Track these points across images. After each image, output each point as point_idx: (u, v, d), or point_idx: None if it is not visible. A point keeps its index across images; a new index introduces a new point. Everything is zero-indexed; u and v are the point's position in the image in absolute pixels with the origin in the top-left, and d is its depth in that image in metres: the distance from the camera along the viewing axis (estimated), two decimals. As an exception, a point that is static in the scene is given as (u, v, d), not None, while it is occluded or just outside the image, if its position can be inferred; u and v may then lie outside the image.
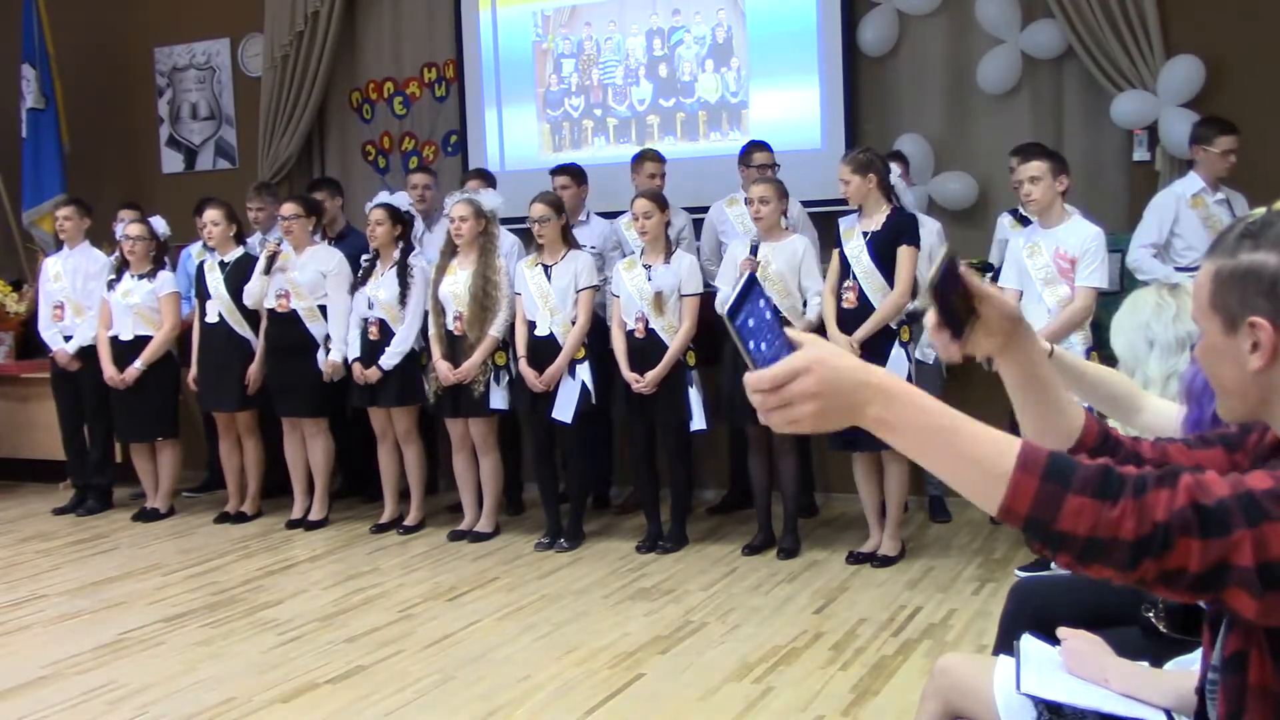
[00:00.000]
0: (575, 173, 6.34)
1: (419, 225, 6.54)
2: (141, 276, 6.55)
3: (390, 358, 5.97)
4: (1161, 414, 2.08)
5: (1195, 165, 5.41)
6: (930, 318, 1.64)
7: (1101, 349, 5.06)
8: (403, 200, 6.18)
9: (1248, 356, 1.43)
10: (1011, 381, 1.72)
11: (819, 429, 1.34)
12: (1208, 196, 5.35)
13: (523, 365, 5.69)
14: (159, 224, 6.65)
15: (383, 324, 6.01)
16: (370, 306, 6.03)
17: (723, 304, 5.45)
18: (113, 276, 6.63)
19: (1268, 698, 1.41)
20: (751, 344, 1.36)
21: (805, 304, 5.40)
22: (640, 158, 6.24)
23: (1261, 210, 1.49)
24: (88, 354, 6.72)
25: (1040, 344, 1.72)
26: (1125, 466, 1.32)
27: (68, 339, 6.76)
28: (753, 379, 1.33)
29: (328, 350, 6.18)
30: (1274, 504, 1.28)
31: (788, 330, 1.36)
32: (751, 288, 1.38)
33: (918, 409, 1.34)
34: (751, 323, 1.36)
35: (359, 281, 6.13)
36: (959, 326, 1.63)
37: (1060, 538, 1.28)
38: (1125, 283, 5.31)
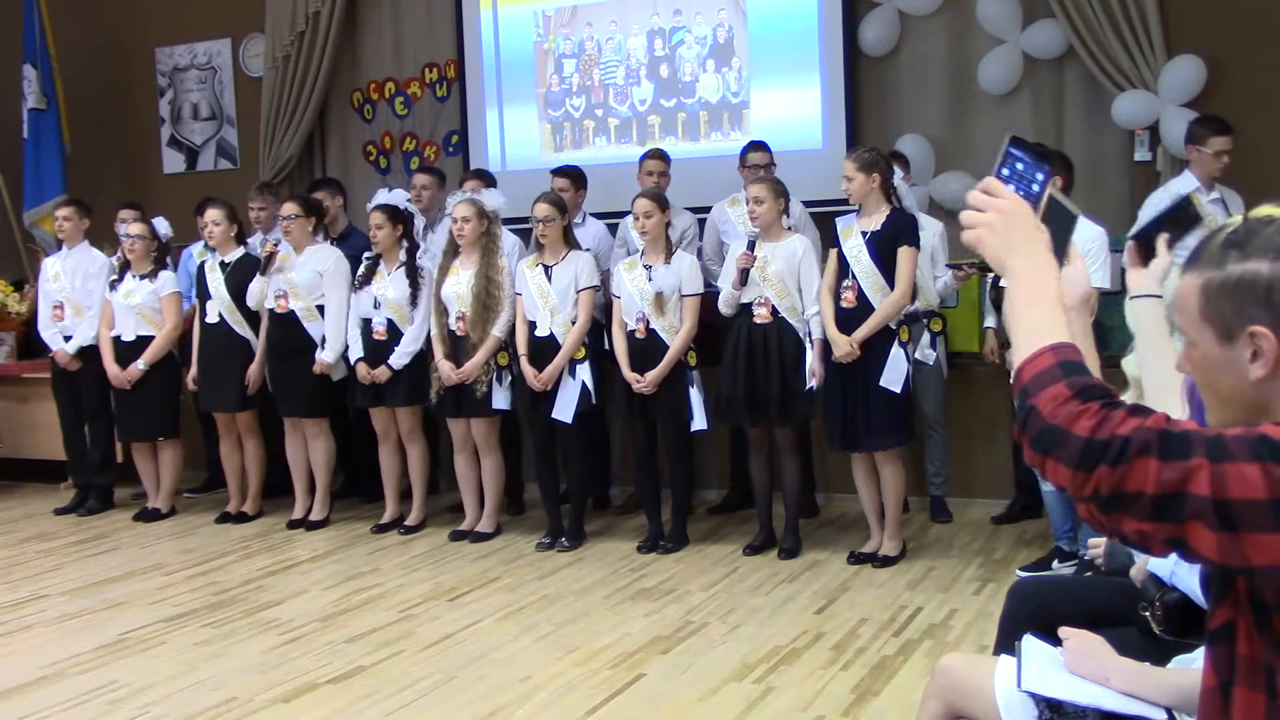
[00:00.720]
0: (575, 175, 6.34)
1: (419, 221, 6.53)
2: (143, 277, 6.55)
3: (401, 357, 5.97)
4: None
5: (1190, 164, 5.41)
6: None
7: (1103, 349, 5.06)
8: (400, 197, 6.17)
9: (1248, 366, 1.44)
10: None
11: (981, 240, 1.60)
12: (1203, 196, 5.34)
13: (523, 363, 5.69)
14: (161, 225, 6.65)
15: (390, 324, 6.01)
16: (376, 306, 6.02)
17: (726, 302, 5.44)
18: (114, 277, 6.63)
19: (1256, 667, 1.43)
20: (1007, 172, 1.69)
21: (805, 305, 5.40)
22: (644, 156, 6.25)
23: (1238, 218, 1.51)
24: (87, 354, 6.73)
25: (1091, 340, 1.78)
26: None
27: (67, 339, 6.76)
28: (990, 182, 1.66)
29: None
30: (1239, 448, 1.31)
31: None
32: (1045, 159, 1.72)
33: (1043, 284, 1.55)
34: (1021, 166, 1.69)
35: (361, 281, 6.12)
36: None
37: (1032, 413, 1.40)
38: (1124, 282, 5.31)
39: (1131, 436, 1.32)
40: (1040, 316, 1.50)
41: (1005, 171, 1.68)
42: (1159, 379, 2.08)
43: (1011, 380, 1.48)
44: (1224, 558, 1.32)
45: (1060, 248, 1.70)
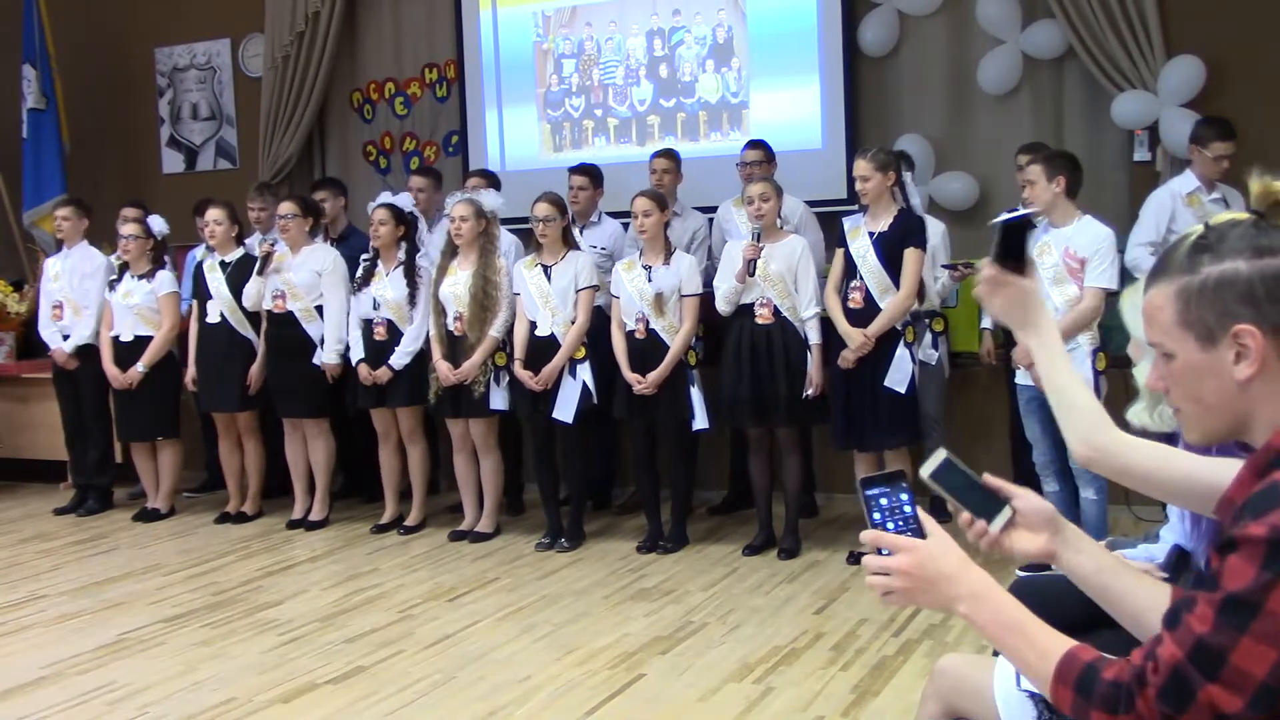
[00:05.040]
0: (594, 174, 6.34)
1: (421, 226, 6.53)
2: (141, 277, 6.55)
3: (401, 357, 5.97)
4: None
5: (1191, 164, 5.42)
6: (961, 515, 1.72)
7: (1108, 349, 5.06)
8: (407, 201, 6.17)
9: (1232, 368, 1.43)
10: (1086, 582, 1.71)
11: (907, 604, 1.58)
12: (1203, 195, 5.36)
13: (516, 368, 5.68)
14: (156, 222, 6.64)
15: (390, 324, 6.00)
16: (376, 307, 6.02)
17: (726, 299, 5.43)
18: (114, 277, 6.63)
19: None
20: (878, 515, 1.60)
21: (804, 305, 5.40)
22: (652, 156, 6.28)
23: (1199, 228, 1.49)
24: (85, 353, 6.72)
25: (1090, 540, 1.69)
26: (1126, 664, 1.39)
27: (66, 338, 6.76)
28: (869, 535, 1.58)
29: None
30: (1225, 636, 1.31)
31: (922, 516, 1.60)
32: (896, 480, 1.61)
33: (996, 610, 1.55)
34: (885, 501, 1.60)
35: (361, 282, 6.12)
36: (987, 512, 1.69)
37: None
38: (1126, 283, 5.31)
39: (1159, 716, 1.34)
40: (1026, 647, 1.49)
41: (877, 517, 1.61)
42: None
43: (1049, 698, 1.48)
44: None
45: (987, 506, 1.67)
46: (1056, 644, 1.46)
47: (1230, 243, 1.43)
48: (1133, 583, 1.66)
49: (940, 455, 1.68)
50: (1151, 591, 1.66)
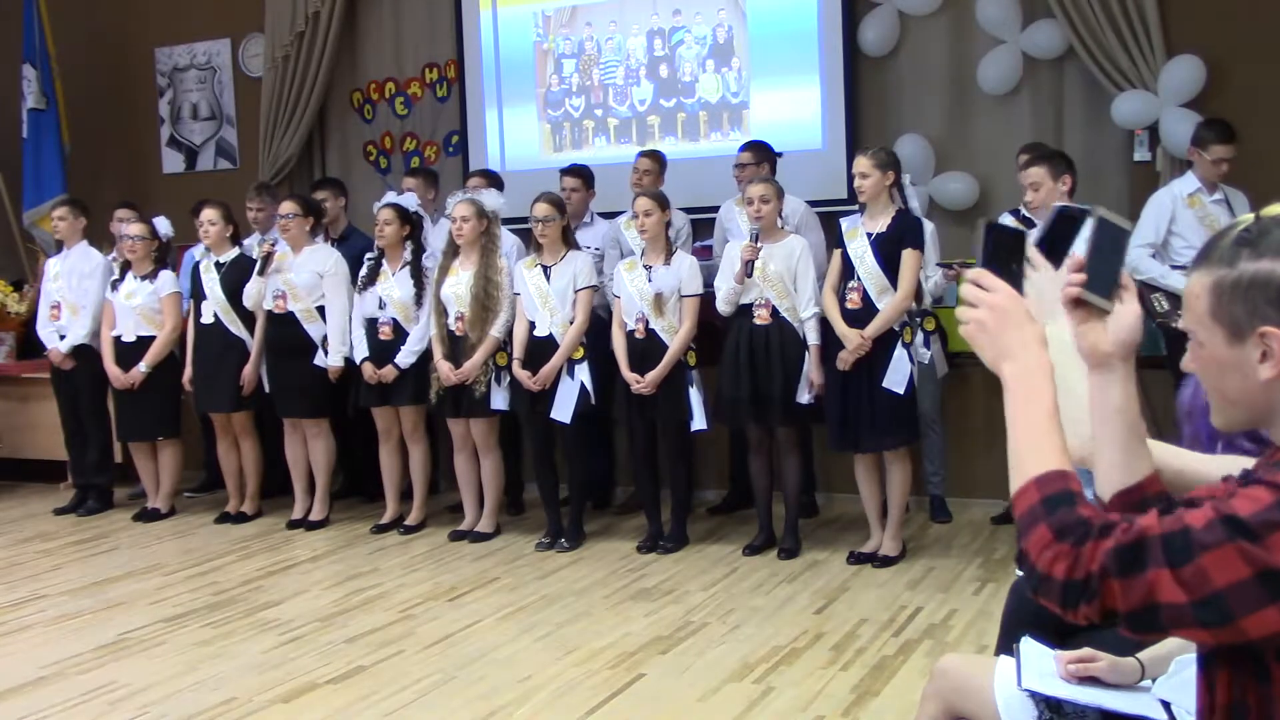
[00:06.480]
0: (585, 175, 6.34)
1: (426, 226, 6.53)
2: (143, 278, 6.55)
3: (407, 356, 5.97)
4: None
5: (1192, 165, 5.43)
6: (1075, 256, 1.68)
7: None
8: (411, 201, 6.17)
9: (1257, 367, 1.43)
10: (1103, 407, 1.67)
11: (974, 339, 1.57)
12: (1204, 196, 5.36)
13: (515, 368, 5.68)
14: (163, 224, 6.64)
15: (395, 324, 6.00)
16: (382, 306, 6.02)
17: (726, 300, 5.44)
18: (116, 278, 6.63)
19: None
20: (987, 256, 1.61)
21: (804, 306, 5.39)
22: (637, 156, 6.26)
23: (1250, 216, 1.47)
24: (82, 353, 6.72)
25: (1133, 388, 1.66)
26: (1105, 515, 1.38)
27: (63, 338, 6.76)
28: (975, 273, 1.59)
29: (326, 351, 6.18)
30: (1209, 535, 1.31)
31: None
32: (1020, 235, 1.63)
33: (1033, 394, 1.51)
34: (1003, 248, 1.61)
35: (366, 281, 6.12)
36: (1100, 285, 1.63)
37: (1026, 556, 1.41)
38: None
39: (1096, 569, 1.34)
40: (1028, 440, 1.48)
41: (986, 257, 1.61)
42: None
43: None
44: (1220, 640, 1.35)
45: (1106, 282, 1.62)
46: (1058, 458, 1.45)
47: (1271, 241, 1.42)
48: (1136, 443, 1.63)
49: (1126, 224, 1.64)
50: (1143, 460, 1.64)
